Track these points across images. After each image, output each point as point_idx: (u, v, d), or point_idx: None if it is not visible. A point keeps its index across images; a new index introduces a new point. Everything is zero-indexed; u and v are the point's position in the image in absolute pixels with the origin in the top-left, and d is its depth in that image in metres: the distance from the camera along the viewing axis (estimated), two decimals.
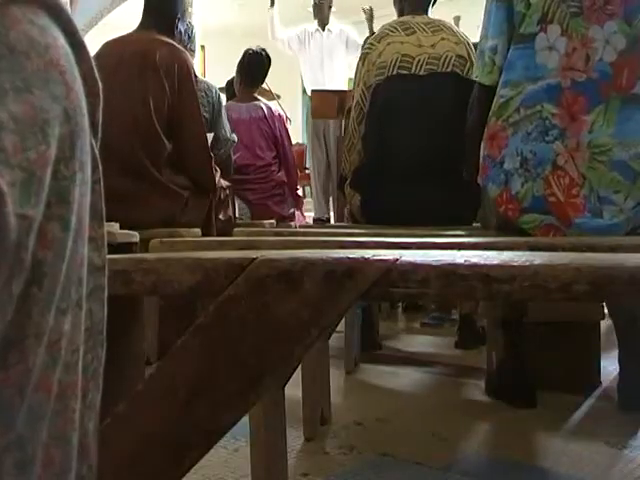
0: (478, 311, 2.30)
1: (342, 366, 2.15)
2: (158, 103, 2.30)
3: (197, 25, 4.17)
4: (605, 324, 2.21)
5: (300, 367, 1.45)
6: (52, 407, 0.38)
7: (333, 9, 5.27)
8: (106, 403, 0.46)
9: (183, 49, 2.51)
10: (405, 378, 2.14)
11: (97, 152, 0.42)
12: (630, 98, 1.45)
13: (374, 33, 4.99)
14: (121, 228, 1.83)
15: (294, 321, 0.62)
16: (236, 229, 1.87)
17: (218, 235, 2.51)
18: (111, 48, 2.38)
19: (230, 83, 4.04)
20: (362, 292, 0.62)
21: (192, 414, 0.64)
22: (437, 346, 2.66)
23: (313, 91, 4.39)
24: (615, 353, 1.87)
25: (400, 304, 3.45)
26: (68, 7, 0.40)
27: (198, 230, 2.40)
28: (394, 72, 2.27)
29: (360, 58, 2.42)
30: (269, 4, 5.37)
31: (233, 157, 3.14)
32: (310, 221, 4.54)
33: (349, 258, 0.63)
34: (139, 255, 1.00)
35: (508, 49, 1.64)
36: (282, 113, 3.74)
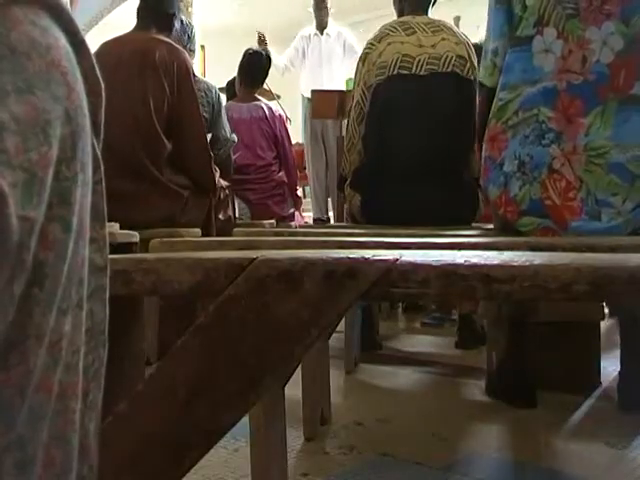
0: (478, 311, 2.30)
1: (342, 366, 2.16)
2: (158, 102, 2.30)
3: (197, 25, 4.17)
4: (605, 324, 2.22)
5: (300, 367, 1.45)
6: (53, 407, 0.38)
7: (331, 10, 5.28)
8: (106, 403, 0.46)
9: (182, 48, 2.51)
10: (405, 378, 2.14)
11: (99, 152, 0.42)
12: (627, 99, 1.44)
13: None
14: (121, 228, 1.83)
15: (294, 321, 0.62)
16: (236, 229, 1.87)
17: (218, 235, 2.51)
18: (110, 48, 2.38)
19: (230, 83, 4.04)
20: (362, 292, 0.62)
21: (192, 414, 0.64)
22: (437, 346, 2.66)
23: (313, 91, 4.39)
24: (615, 353, 1.87)
25: (400, 304, 3.45)
26: (68, 7, 0.40)
27: (198, 230, 2.40)
28: (394, 72, 2.27)
29: (360, 58, 2.42)
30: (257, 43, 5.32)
31: (233, 157, 3.14)
32: (309, 221, 4.54)
33: (349, 258, 0.63)
34: (139, 255, 1.00)
35: None
36: (282, 113, 3.74)
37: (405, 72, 2.26)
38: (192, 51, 3.07)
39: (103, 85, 0.42)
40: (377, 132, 2.31)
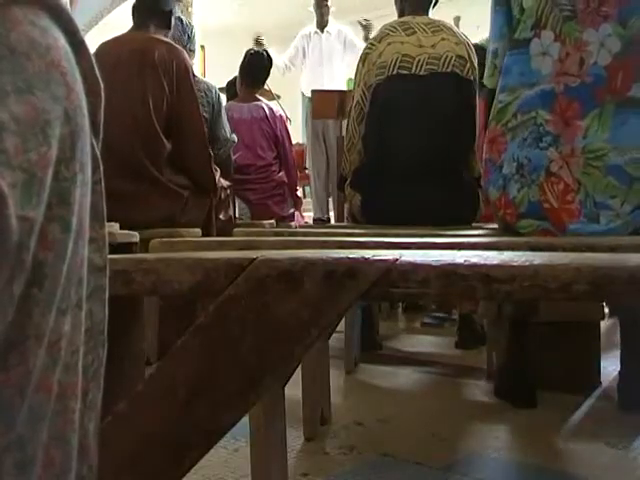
0: (478, 311, 2.30)
1: (342, 366, 2.16)
2: (157, 102, 2.30)
3: (197, 25, 4.16)
4: (605, 324, 2.22)
5: (300, 367, 1.45)
6: (52, 408, 0.38)
7: (332, 9, 5.27)
8: (106, 403, 0.46)
9: (180, 48, 2.50)
10: (405, 378, 2.14)
11: (98, 152, 0.42)
12: (625, 102, 1.44)
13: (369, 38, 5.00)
14: (121, 228, 1.83)
15: (294, 321, 0.62)
16: (236, 229, 1.87)
17: (218, 235, 2.51)
18: (109, 48, 2.38)
19: (230, 83, 4.04)
20: (362, 292, 0.62)
21: (192, 414, 0.64)
22: (437, 346, 2.66)
23: (313, 91, 4.39)
24: (615, 353, 1.87)
25: (400, 304, 3.45)
26: (68, 7, 0.40)
27: (198, 230, 2.39)
28: (394, 72, 2.27)
29: (360, 58, 2.42)
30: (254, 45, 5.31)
31: (233, 157, 3.14)
32: (309, 221, 4.54)
33: (349, 258, 0.63)
34: (139, 255, 1.00)
35: None
36: (283, 113, 3.74)
37: (405, 72, 2.26)
38: (192, 51, 3.07)
39: (102, 85, 0.42)
40: (377, 132, 2.31)
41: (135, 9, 2.50)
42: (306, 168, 5.19)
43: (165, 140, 2.32)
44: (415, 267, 0.61)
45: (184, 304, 2.10)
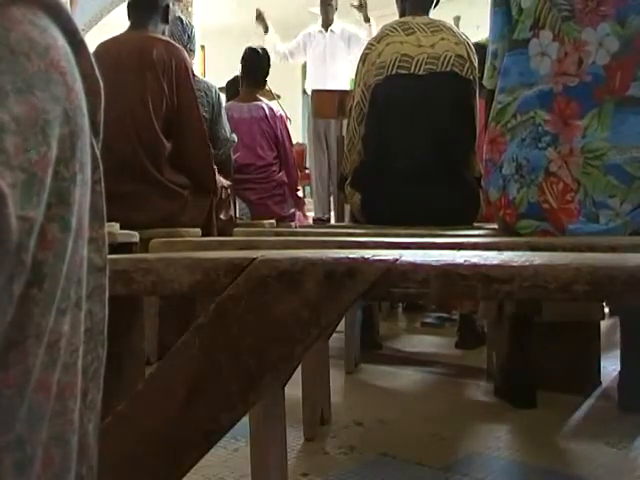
0: (478, 311, 2.30)
1: (342, 366, 2.15)
2: (156, 102, 2.29)
3: (197, 25, 4.17)
4: (605, 324, 2.21)
5: (300, 367, 1.45)
6: (51, 408, 0.38)
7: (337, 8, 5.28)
8: (106, 403, 0.46)
9: (179, 46, 2.49)
10: (405, 378, 2.14)
11: (98, 152, 0.42)
12: (624, 101, 1.44)
13: (369, 19, 5.01)
14: (121, 228, 1.83)
15: (294, 321, 0.62)
16: (236, 229, 1.87)
17: (219, 235, 2.51)
18: (107, 48, 2.37)
19: (230, 83, 4.04)
20: (362, 292, 0.62)
21: (192, 414, 0.64)
22: (437, 346, 2.66)
23: (314, 91, 4.38)
24: (615, 353, 1.87)
25: (400, 304, 3.45)
26: (68, 7, 0.40)
27: (198, 230, 2.39)
28: (393, 72, 2.27)
29: (360, 58, 2.42)
30: (262, 31, 5.31)
31: (233, 157, 3.14)
32: (311, 221, 4.54)
33: (349, 258, 0.63)
34: (139, 255, 1.00)
35: None
36: (283, 113, 3.74)
37: (404, 72, 2.26)
38: (192, 51, 3.07)
39: (102, 84, 0.42)
40: (376, 132, 2.31)
41: (130, 7, 2.48)
42: (306, 168, 5.18)
43: (165, 140, 2.32)
44: (415, 267, 0.61)
45: (184, 304, 2.10)
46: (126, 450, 0.64)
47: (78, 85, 0.39)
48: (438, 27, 2.34)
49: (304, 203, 4.00)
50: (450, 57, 2.27)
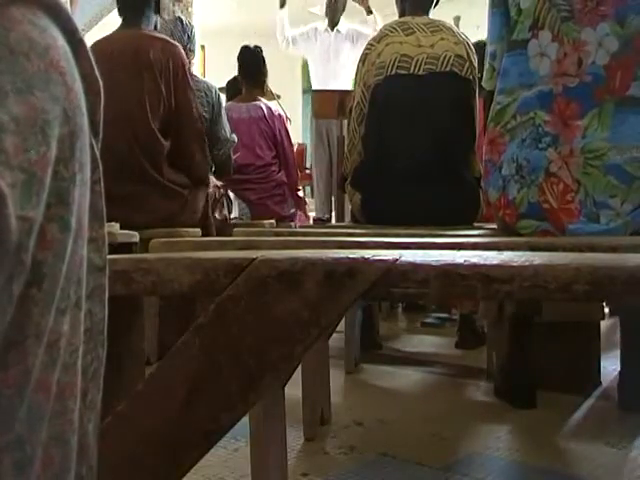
0: (478, 311, 2.30)
1: (342, 366, 2.15)
2: (154, 103, 2.28)
3: (197, 25, 4.16)
4: (605, 324, 2.21)
5: (300, 367, 1.45)
6: (51, 408, 0.38)
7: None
8: (106, 403, 0.46)
9: (174, 42, 2.48)
10: (405, 378, 2.14)
11: (97, 152, 0.42)
12: (624, 101, 1.44)
13: (371, 11, 5.01)
14: (121, 228, 1.83)
15: (294, 321, 0.62)
16: (236, 229, 1.87)
17: (218, 233, 2.51)
18: (101, 47, 2.34)
19: (230, 83, 4.04)
20: (362, 292, 0.62)
21: (192, 414, 0.64)
22: (437, 346, 2.66)
23: (314, 91, 4.39)
24: (615, 353, 1.87)
25: (400, 304, 3.45)
26: (68, 7, 0.40)
27: (198, 230, 2.39)
28: (393, 72, 2.27)
29: (360, 58, 2.42)
30: (279, 5, 5.34)
31: (233, 157, 3.14)
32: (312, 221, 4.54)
33: (349, 258, 0.63)
34: (139, 255, 1.00)
35: None
36: (282, 113, 3.73)
37: (403, 72, 2.26)
38: (192, 51, 3.07)
39: (101, 84, 0.42)
40: (376, 132, 2.31)
41: (121, 3, 2.45)
42: (307, 168, 5.18)
43: (163, 140, 2.31)
44: (415, 267, 0.61)
45: (184, 304, 2.10)
46: (126, 450, 0.64)
47: (77, 85, 0.39)
48: (438, 27, 2.34)
49: (305, 203, 3.99)
50: (450, 57, 2.27)
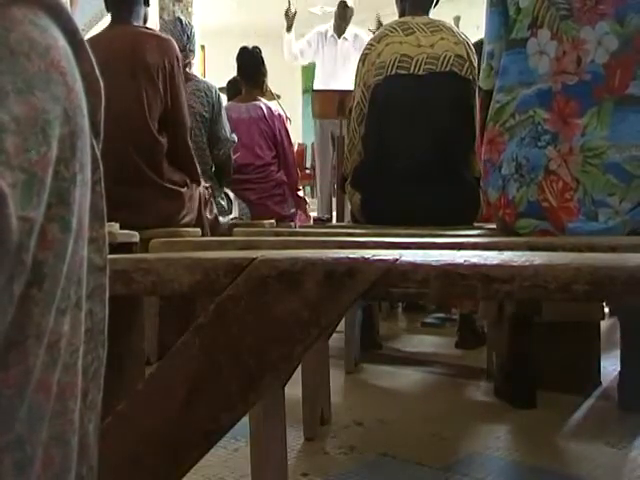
0: (478, 311, 2.30)
1: (342, 366, 2.15)
2: (152, 103, 2.26)
3: (197, 25, 4.16)
4: (605, 324, 2.21)
5: (300, 367, 1.45)
6: (52, 408, 0.38)
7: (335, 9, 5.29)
8: (106, 403, 0.46)
9: (167, 37, 2.45)
10: (405, 378, 2.14)
11: (98, 152, 0.42)
12: (623, 99, 1.44)
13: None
14: (121, 228, 1.83)
15: (294, 321, 0.62)
16: (236, 229, 1.87)
17: (211, 233, 2.51)
18: (92, 46, 2.31)
19: (230, 83, 4.04)
20: (362, 292, 0.62)
21: (192, 414, 0.64)
22: (437, 346, 2.66)
23: (315, 91, 4.39)
24: (615, 353, 1.87)
25: (400, 304, 3.45)
26: (68, 7, 0.40)
27: (198, 230, 2.39)
28: (393, 72, 2.27)
29: (360, 58, 2.42)
30: (285, 28, 5.36)
31: (233, 157, 3.14)
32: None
33: (349, 258, 0.63)
34: (139, 255, 1.00)
35: None
36: (282, 113, 3.74)
37: (403, 72, 2.26)
38: (192, 51, 3.06)
39: (102, 84, 0.42)
40: (376, 132, 2.31)
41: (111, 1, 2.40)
42: (307, 168, 5.19)
43: (161, 139, 2.30)
44: (415, 267, 0.61)
45: (184, 304, 2.09)
46: (126, 450, 0.64)
47: (78, 85, 0.39)
48: (438, 27, 2.34)
49: (305, 202, 3.99)
50: (450, 57, 2.27)
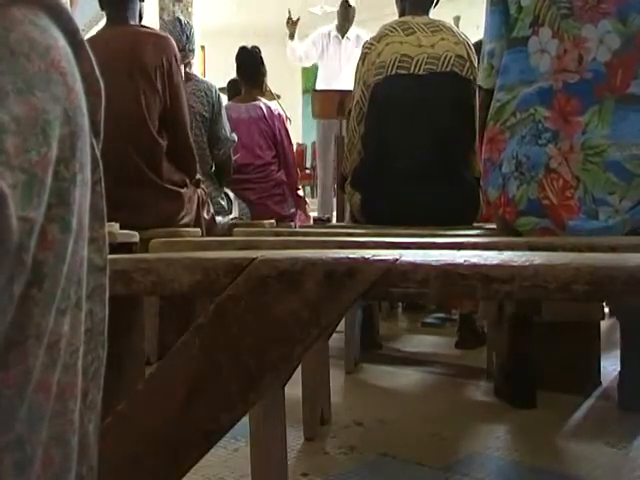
0: (478, 311, 2.30)
1: (342, 366, 2.15)
2: (151, 103, 2.25)
3: (197, 25, 4.16)
4: (605, 324, 2.21)
5: (300, 367, 1.45)
6: (51, 408, 0.38)
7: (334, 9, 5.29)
8: (106, 403, 0.47)
9: (165, 34, 2.44)
10: (405, 378, 2.14)
11: (98, 152, 0.42)
12: (624, 98, 1.44)
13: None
14: (121, 228, 1.83)
15: (294, 321, 0.62)
16: (236, 229, 1.87)
17: (207, 233, 2.51)
18: (92, 46, 2.29)
19: (231, 83, 4.04)
20: (362, 292, 0.62)
21: (192, 414, 0.64)
22: (437, 346, 2.66)
23: (315, 91, 4.38)
24: (615, 353, 1.87)
25: (400, 304, 3.45)
26: (68, 7, 0.40)
27: (198, 230, 2.39)
28: (393, 72, 2.27)
29: (360, 58, 2.42)
30: (288, 36, 5.36)
31: (233, 157, 3.14)
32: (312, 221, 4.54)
33: (349, 258, 0.63)
34: (139, 255, 1.00)
35: None
36: (282, 112, 3.73)
37: (404, 72, 2.26)
38: (191, 51, 3.06)
39: (102, 85, 0.42)
40: (376, 131, 2.31)
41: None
42: (307, 168, 5.19)
43: (160, 140, 2.30)
44: (415, 267, 0.61)
45: (184, 304, 2.09)
46: (126, 450, 0.64)
47: (78, 85, 0.39)
48: (438, 27, 2.34)
49: (305, 202, 3.99)
50: (450, 57, 2.27)
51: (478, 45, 2.41)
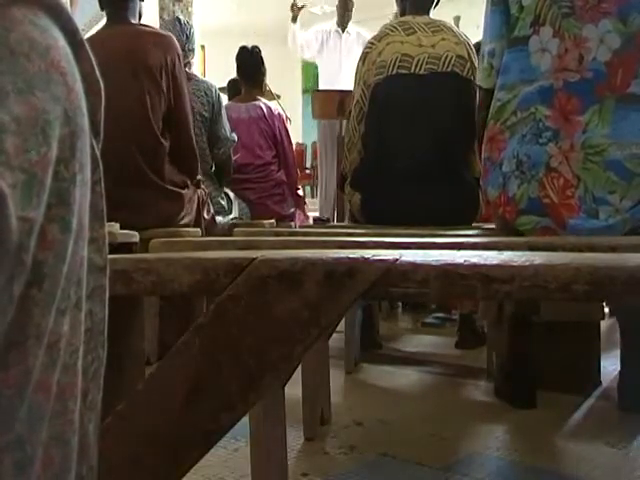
0: (478, 311, 2.30)
1: (342, 366, 2.15)
2: (155, 103, 2.25)
3: (197, 25, 4.16)
4: (605, 324, 2.21)
5: (300, 367, 1.45)
6: (51, 408, 0.38)
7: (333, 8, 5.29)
8: (106, 403, 0.47)
9: (166, 33, 2.43)
10: (405, 378, 2.14)
11: (98, 152, 0.42)
12: (625, 98, 1.44)
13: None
14: (121, 228, 1.83)
15: (294, 321, 0.62)
16: (236, 229, 1.87)
17: (207, 233, 2.51)
18: (93, 45, 2.28)
19: (231, 82, 4.04)
20: (362, 292, 0.62)
21: (192, 414, 0.64)
22: (437, 346, 2.66)
23: (315, 91, 4.38)
24: (615, 353, 1.87)
25: (400, 304, 3.45)
26: (68, 7, 0.40)
27: (198, 230, 2.39)
28: (393, 72, 2.27)
29: (360, 57, 2.42)
30: (291, 19, 5.36)
31: (233, 157, 3.14)
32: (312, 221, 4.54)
33: (349, 258, 0.63)
34: (139, 255, 1.00)
35: None
36: (282, 112, 3.74)
37: (404, 72, 2.26)
38: (191, 50, 3.06)
39: (102, 85, 0.42)
40: (376, 131, 2.31)
41: None
42: (307, 168, 5.18)
43: (163, 140, 2.29)
44: (415, 267, 0.61)
45: (184, 304, 2.09)
46: (126, 450, 0.64)
47: (78, 85, 0.39)
48: (438, 27, 2.34)
49: (305, 202, 3.99)
50: (451, 57, 2.27)
51: (478, 45, 2.42)
